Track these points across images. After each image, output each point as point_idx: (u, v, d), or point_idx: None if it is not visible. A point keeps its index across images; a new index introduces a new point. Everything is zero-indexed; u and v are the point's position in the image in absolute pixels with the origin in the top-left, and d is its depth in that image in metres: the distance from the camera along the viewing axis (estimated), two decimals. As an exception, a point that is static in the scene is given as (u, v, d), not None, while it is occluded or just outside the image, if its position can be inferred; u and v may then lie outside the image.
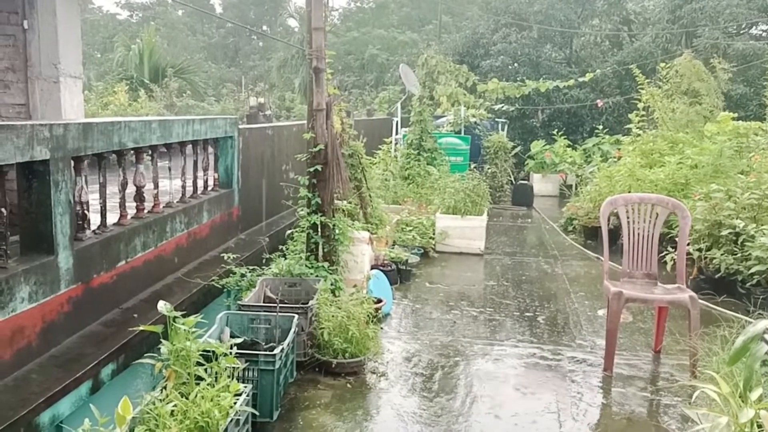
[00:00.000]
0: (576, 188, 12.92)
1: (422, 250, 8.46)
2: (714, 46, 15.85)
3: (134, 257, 4.65)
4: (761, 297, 5.80)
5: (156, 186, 5.27)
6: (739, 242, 6.48)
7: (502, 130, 15.89)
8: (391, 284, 6.66)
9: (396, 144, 12.99)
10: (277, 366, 3.71)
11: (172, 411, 3.03)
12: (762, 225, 6.41)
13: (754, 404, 2.60)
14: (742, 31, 17.34)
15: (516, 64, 19.41)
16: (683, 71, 10.85)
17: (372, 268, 6.69)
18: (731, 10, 16.70)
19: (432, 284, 7.33)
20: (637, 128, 10.46)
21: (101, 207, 4.41)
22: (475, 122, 14.76)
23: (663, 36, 17.94)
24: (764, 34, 18.76)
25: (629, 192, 8.55)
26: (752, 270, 6.03)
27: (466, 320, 6.06)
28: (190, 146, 5.94)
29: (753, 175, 7.29)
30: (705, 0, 17.13)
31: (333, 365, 4.54)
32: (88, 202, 4.21)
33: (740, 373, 2.84)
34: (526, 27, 19.58)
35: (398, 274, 7.24)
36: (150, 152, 5.15)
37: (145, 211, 5.01)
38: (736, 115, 9.62)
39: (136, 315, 4.27)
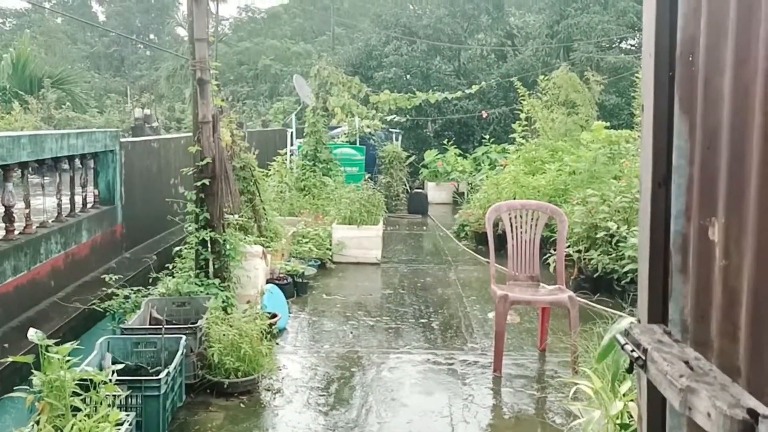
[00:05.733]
0: (467, 195, 13.35)
1: (319, 262, 8.41)
2: (588, 59, 16.94)
3: (4, 282, 4.32)
4: (634, 294, 6.20)
5: (28, 205, 4.94)
6: (613, 243, 6.93)
7: (397, 140, 16.16)
8: (287, 298, 6.57)
9: (291, 155, 12.89)
10: (162, 391, 3.56)
11: (45, 447, 2.84)
12: (633, 226, 6.89)
13: (623, 397, 2.79)
14: (613, 46, 18.66)
15: (408, 76, 19.84)
16: (560, 83, 11.51)
17: (267, 282, 6.58)
18: (603, 26, 17.92)
19: (329, 296, 7.31)
20: (521, 137, 10.97)
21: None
22: (370, 133, 14.92)
23: (543, 50, 18.95)
24: (633, 48, 20.26)
25: (514, 198, 8.95)
26: (626, 269, 6.47)
27: (363, 330, 6.09)
28: (66, 162, 5.62)
29: (624, 179, 7.83)
30: (579, 16, 18.27)
31: (225, 385, 4.42)
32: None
33: (610, 366, 3.02)
34: (416, 40, 20.07)
35: (294, 287, 7.15)
36: (20, 169, 4.82)
37: (16, 232, 4.68)
38: (609, 124, 10.31)
39: (6, 345, 3.97)
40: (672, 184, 1.43)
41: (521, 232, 5.36)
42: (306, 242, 8.61)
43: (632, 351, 1.39)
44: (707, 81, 1.26)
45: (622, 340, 1.44)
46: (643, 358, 1.36)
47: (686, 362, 1.29)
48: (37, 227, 5.02)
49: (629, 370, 1.45)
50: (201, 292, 5.19)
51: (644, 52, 1.50)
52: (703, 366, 1.27)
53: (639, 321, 1.60)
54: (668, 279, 1.51)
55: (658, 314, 1.53)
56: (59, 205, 5.50)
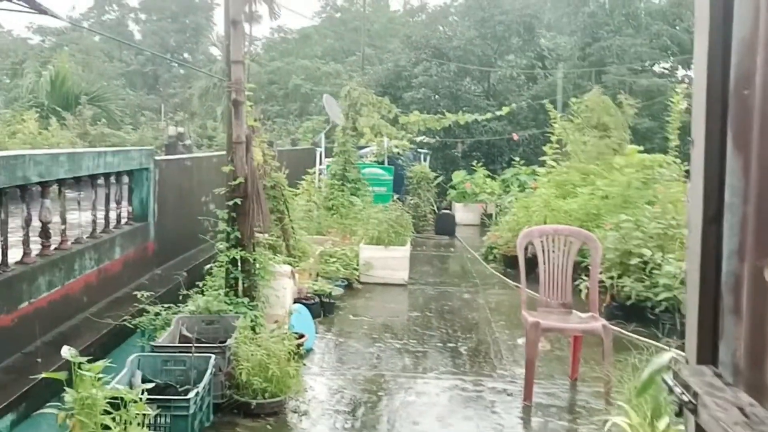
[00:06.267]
0: (496, 217, 13.24)
1: (346, 282, 8.40)
2: (621, 82, 16.80)
3: (38, 297, 4.39)
4: (669, 323, 6.09)
5: (64, 221, 5.03)
6: (647, 270, 6.80)
7: (425, 160, 16.16)
8: (314, 318, 6.56)
9: (320, 174, 12.96)
10: (191, 411, 3.56)
11: (76, 465, 2.85)
12: (668, 253, 6.75)
13: (661, 433, 2.71)
14: (646, 69, 18.50)
15: (437, 96, 19.88)
16: (593, 106, 11.40)
17: (295, 301, 6.58)
18: (636, 49, 17.80)
19: (356, 316, 7.29)
20: (552, 160, 10.87)
21: (2, 245, 4.15)
22: (399, 153, 14.95)
23: (574, 72, 18.88)
24: (666, 71, 20.08)
25: (545, 222, 8.84)
26: (660, 297, 6.33)
27: (389, 353, 6.04)
28: (101, 178, 5.72)
29: (658, 205, 7.69)
30: (612, 39, 18.18)
31: (252, 406, 4.40)
32: (-13, 240, 3.96)
33: (648, 401, 2.94)
34: (446, 62, 20.14)
35: (321, 307, 7.15)
36: (57, 186, 4.92)
37: (52, 247, 4.76)
38: (642, 148, 10.16)
39: (39, 360, 4.01)
40: (724, 222, 1.39)
41: (553, 258, 5.28)
42: (333, 262, 8.60)
43: (681, 394, 1.34)
44: (764, 118, 1.23)
45: (671, 382, 1.39)
46: (694, 402, 1.31)
47: (741, 409, 1.24)
48: (72, 243, 5.09)
49: (678, 413, 1.39)
50: (230, 310, 5.21)
51: (695, 87, 1.46)
52: (759, 413, 1.22)
53: (687, 361, 1.55)
54: (718, 319, 1.45)
55: (708, 355, 1.47)
56: (94, 221, 5.58)
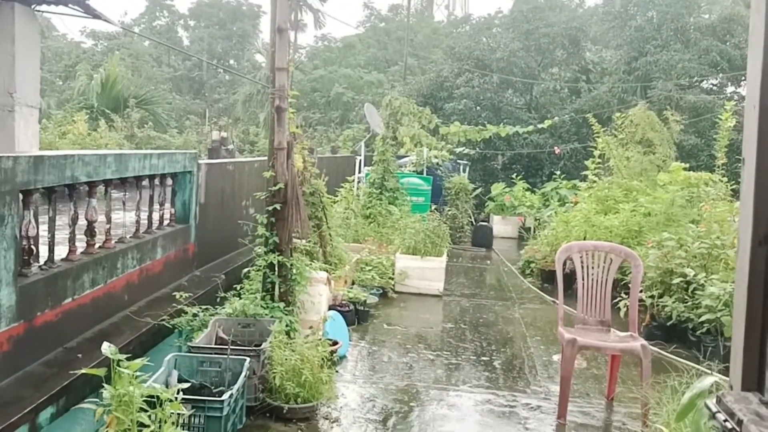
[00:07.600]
0: (534, 231, 13.09)
1: (381, 291, 8.41)
2: (667, 98, 16.46)
3: (82, 294, 4.49)
4: (711, 346, 5.91)
5: (109, 220, 5.15)
6: (689, 290, 6.62)
7: (464, 171, 16.10)
8: (348, 325, 6.58)
9: (359, 182, 13.02)
10: (224, 413, 3.60)
11: (111, 460, 2.90)
12: (711, 274, 6.56)
13: (701, 459, 2.61)
14: (693, 85, 18.10)
15: (478, 108, 19.81)
16: (638, 121, 11.20)
17: (330, 308, 6.62)
18: (683, 65, 17.43)
19: (390, 326, 7.28)
20: (594, 175, 10.71)
21: (49, 242, 4.27)
22: (437, 163, 14.94)
23: (619, 86, 18.57)
24: (714, 88, 19.60)
25: (585, 237, 8.71)
26: (702, 318, 6.15)
27: (422, 363, 6.01)
28: (146, 180, 5.85)
29: (703, 224, 7.50)
30: (659, 54, 17.85)
31: (284, 410, 4.43)
32: (36, 236, 4.08)
33: (687, 425, 2.86)
34: (488, 73, 20.06)
35: (356, 315, 7.17)
36: (104, 186, 5.05)
37: (96, 246, 4.87)
38: (687, 165, 9.94)
39: (80, 355, 4.11)
40: (774, 243, 1.35)
41: (592, 274, 5.19)
42: (369, 270, 8.62)
43: (725, 421, 1.30)
44: (820, 138, 1.19)
45: (714, 408, 1.35)
46: (738, 429, 1.27)
47: (787, 439, 1.19)
48: (115, 242, 5.21)
49: (721, 442, 1.35)
50: (266, 314, 5.26)
51: (747, 104, 1.43)
52: (807, 445, 1.17)
53: (731, 387, 1.50)
54: (766, 344, 1.41)
55: (753, 381, 1.43)
56: (137, 221, 5.71)
